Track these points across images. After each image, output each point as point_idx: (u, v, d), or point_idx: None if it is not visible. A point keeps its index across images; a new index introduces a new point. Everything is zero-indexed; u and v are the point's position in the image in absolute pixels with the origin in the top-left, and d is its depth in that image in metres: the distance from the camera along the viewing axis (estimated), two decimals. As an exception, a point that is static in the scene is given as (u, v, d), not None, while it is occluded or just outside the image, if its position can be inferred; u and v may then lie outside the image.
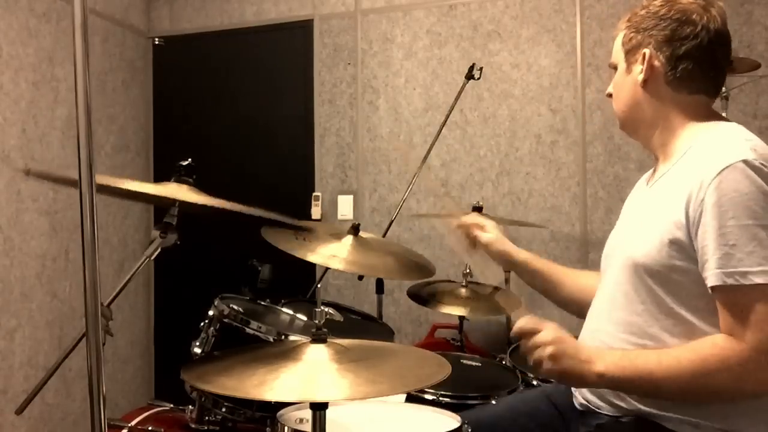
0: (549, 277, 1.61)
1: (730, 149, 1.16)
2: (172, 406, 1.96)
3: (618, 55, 1.37)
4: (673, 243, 1.18)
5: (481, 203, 2.52)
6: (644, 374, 1.16)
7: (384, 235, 2.70)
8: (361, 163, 3.38)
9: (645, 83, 1.30)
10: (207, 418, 1.78)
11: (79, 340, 1.40)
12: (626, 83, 1.35)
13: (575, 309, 1.57)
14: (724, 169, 1.13)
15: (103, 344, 0.98)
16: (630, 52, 1.33)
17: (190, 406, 1.79)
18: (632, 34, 1.32)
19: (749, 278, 1.09)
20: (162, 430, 1.77)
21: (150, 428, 1.77)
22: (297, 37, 3.51)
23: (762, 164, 1.13)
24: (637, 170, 2.93)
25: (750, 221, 1.10)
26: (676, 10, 1.27)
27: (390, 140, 3.33)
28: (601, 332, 1.32)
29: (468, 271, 2.51)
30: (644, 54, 1.29)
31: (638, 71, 1.31)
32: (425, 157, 2.76)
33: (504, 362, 2.14)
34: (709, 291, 1.14)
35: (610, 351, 1.24)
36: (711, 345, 1.13)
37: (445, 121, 2.75)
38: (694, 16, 1.26)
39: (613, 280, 1.32)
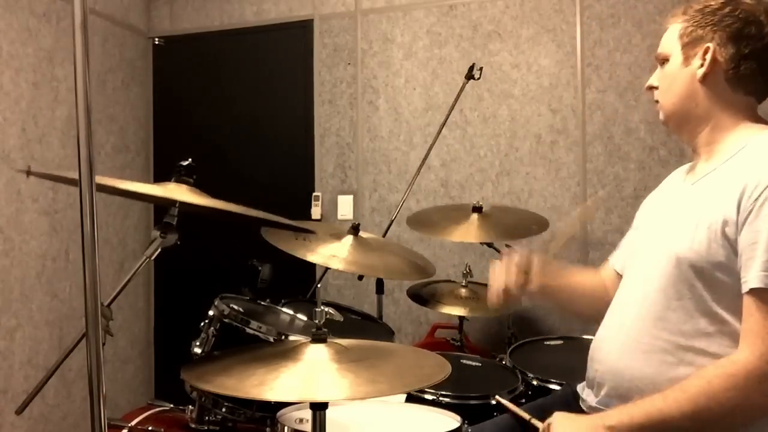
0: (570, 293, 1.60)
1: None
2: (172, 406, 1.96)
3: (672, 46, 1.34)
4: (722, 239, 1.17)
5: (481, 203, 2.52)
6: (653, 413, 1.16)
7: (384, 235, 2.70)
8: (361, 163, 3.38)
9: (704, 77, 1.29)
10: (207, 418, 1.78)
11: (79, 340, 1.40)
12: (681, 75, 1.32)
13: (593, 313, 1.54)
14: None
15: (103, 344, 0.98)
16: (689, 45, 1.31)
17: (190, 406, 1.80)
18: (693, 27, 1.30)
19: None
20: (162, 430, 1.77)
21: (150, 428, 1.77)
22: (297, 37, 3.51)
23: None
24: (637, 170, 2.93)
25: None
26: (743, 9, 1.27)
27: (390, 140, 3.33)
28: (627, 327, 1.31)
29: (468, 271, 2.51)
30: (707, 48, 1.28)
31: (698, 65, 1.30)
32: (425, 157, 2.76)
33: (504, 362, 2.14)
34: (744, 291, 1.14)
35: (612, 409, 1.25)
36: (715, 367, 1.14)
37: (445, 121, 2.75)
38: (761, 18, 1.26)
39: (647, 275, 1.31)
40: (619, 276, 1.52)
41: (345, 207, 3.39)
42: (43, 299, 3.01)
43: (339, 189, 3.42)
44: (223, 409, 1.73)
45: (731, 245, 1.17)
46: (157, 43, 3.77)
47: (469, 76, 2.75)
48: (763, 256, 1.12)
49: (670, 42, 1.35)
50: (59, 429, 3.07)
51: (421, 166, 2.76)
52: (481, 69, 2.76)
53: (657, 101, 1.39)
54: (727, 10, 1.28)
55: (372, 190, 3.36)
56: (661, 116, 1.39)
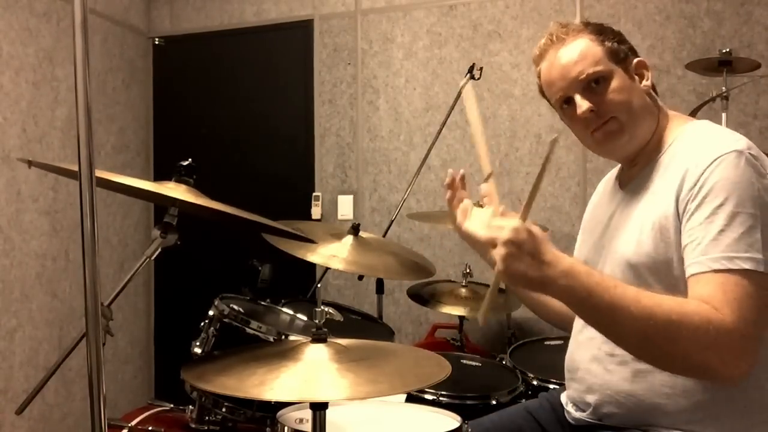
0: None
1: (722, 140, 1.18)
2: (172, 406, 1.96)
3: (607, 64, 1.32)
4: (669, 235, 1.17)
5: (481, 203, 2.52)
6: (616, 297, 1.06)
7: (384, 235, 2.70)
8: (361, 163, 3.38)
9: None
10: (207, 418, 1.78)
11: (79, 340, 1.40)
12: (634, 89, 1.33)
13: (557, 321, 1.53)
14: (717, 158, 1.14)
15: (103, 344, 0.98)
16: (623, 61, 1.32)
17: (190, 406, 1.79)
18: (615, 45, 1.32)
19: (736, 263, 1.08)
20: (162, 430, 1.77)
21: (150, 428, 1.77)
22: (297, 37, 3.51)
23: (752, 155, 1.15)
24: (637, 170, 2.93)
25: (739, 209, 1.10)
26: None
27: (390, 140, 3.33)
28: (598, 340, 1.28)
29: (468, 271, 2.51)
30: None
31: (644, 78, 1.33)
32: (425, 157, 2.76)
33: (504, 362, 2.14)
34: (688, 276, 1.12)
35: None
36: (698, 303, 1.08)
37: (445, 121, 2.75)
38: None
39: None
40: None
41: (345, 207, 3.39)
42: (43, 299, 3.01)
43: (339, 189, 3.42)
44: (223, 409, 1.73)
45: (677, 238, 1.16)
46: (157, 43, 3.77)
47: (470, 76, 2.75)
48: (704, 240, 1.11)
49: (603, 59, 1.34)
50: (59, 429, 3.07)
51: (421, 166, 2.76)
52: (481, 69, 2.76)
53: None
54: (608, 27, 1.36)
55: (372, 190, 3.36)
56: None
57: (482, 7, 3.20)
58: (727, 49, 2.45)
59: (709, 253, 1.10)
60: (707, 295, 1.08)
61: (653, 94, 1.34)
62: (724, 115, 2.43)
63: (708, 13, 2.85)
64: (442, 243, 3.21)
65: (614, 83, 1.28)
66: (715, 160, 1.14)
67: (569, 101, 1.31)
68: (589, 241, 1.44)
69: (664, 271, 1.19)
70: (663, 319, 1.05)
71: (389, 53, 3.34)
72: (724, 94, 2.43)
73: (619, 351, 1.23)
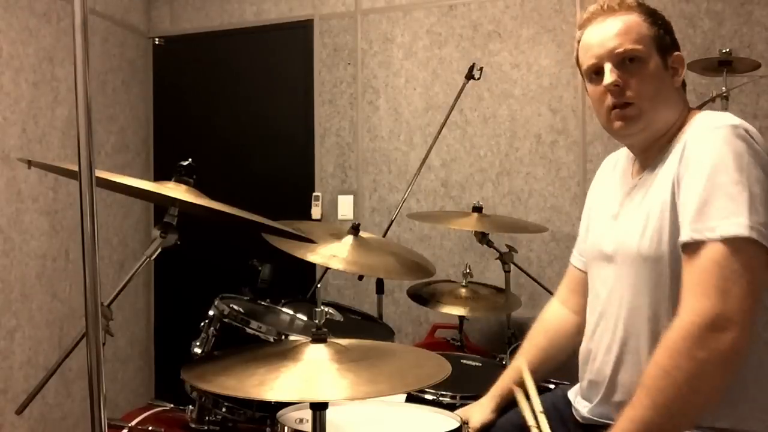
0: (545, 359, 1.59)
1: (718, 118, 1.20)
2: (172, 406, 1.96)
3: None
4: (668, 223, 1.19)
5: (481, 203, 2.52)
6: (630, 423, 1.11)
7: (384, 235, 2.70)
8: (361, 163, 3.38)
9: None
10: (207, 418, 1.78)
11: (79, 340, 1.40)
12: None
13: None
14: (709, 132, 1.16)
15: (103, 344, 0.98)
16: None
17: (190, 406, 1.80)
18: (662, 32, 1.32)
19: (716, 232, 1.09)
20: (162, 430, 1.77)
21: (150, 428, 1.77)
22: (297, 37, 3.51)
23: (746, 129, 1.16)
24: (637, 170, 2.93)
25: (724, 178, 1.11)
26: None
27: (390, 140, 3.33)
28: (613, 329, 1.29)
29: (468, 271, 2.51)
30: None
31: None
32: (425, 157, 2.76)
33: (504, 362, 2.14)
34: (682, 249, 1.14)
35: None
36: (670, 343, 1.10)
37: (445, 121, 2.75)
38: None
39: (623, 281, 1.29)
40: (586, 273, 1.52)
41: (345, 207, 3.39)
42: (43, 299, 3.01)
43: (339, 189, 3.42)
44: (223, 409, 1.73)
45: (675, 217, 1.18)
46: (157, 43, 3.77)
47: (469, 76, 2.75)
48: (690, 212, 1.13)
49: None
50: (59, 429, 3.07)
51: (421, 166, 2.76)
52: (481, 69, 2.76)
53: None
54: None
55: (372, 190, 3.36)
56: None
57: (482, 7, 3.20)
58: (727, 49, 2.46)
59: (695, 222, 1.12)
60: (689, 279, 1.11)
61: (681, 91, 1.34)
62: (724, 115, 2.43)
63: (708, 13, 2.85)
64: (442, 243, 3.21)
65: (648, 68, 1.27)
66: (707, 133, 1.16)
67: (599, 72, 1.30)
68: (599, 222, 1.43)
69: (673, 259, 1.19)
70: (655, 399, 1.08)
71: (389, 53, 3.34)
72: (724, 94, 2.43)
73: (633, 342, 1.25)
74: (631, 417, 1.11)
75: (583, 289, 1.52)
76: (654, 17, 1.32)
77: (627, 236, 1.28)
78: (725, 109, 2.44)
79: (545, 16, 3.10)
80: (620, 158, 1.48)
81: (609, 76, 1.27)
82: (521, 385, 1.43)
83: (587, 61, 1.33)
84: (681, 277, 1.14)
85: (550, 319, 1.63)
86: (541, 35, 3.10)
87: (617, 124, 1.30)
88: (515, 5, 3.14)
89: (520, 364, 1.51)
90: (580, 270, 1.56)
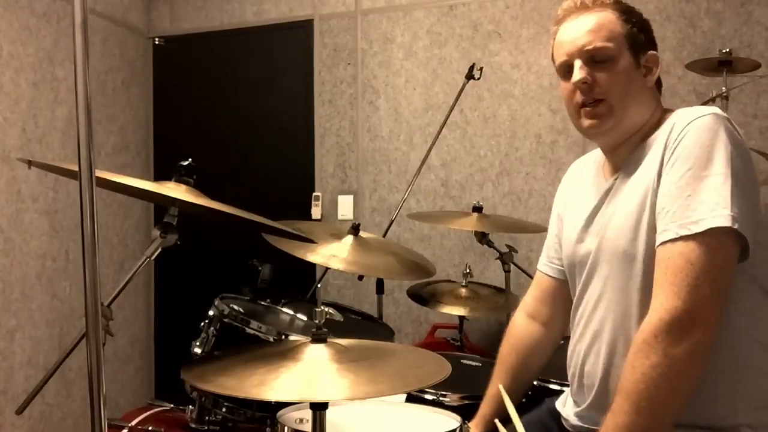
0: (521, 382, 1.58)
1: (700, 108, 1.19)
2: (172, 406, 1.96)
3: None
4: (651, 214, 1.19)
5: (481, 203, 2.52)
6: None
7: (384, 235, 2.70)
8: (361, 163, 3.38)
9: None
10: (207, 418, 1.78)
11: (79, 340, 1.40)
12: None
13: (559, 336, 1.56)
14: (693, 120, 1.16)
15: (103, 344, 0.98)
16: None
17: (190, 406, 1.80)
18: (636, 30, 1.30)
19: (701, 225, 1.09)
20: (162, 430, 1.77)
21: (150, 428, 1.77)
22: (297, 37, 3.51)
23: (728, 120, 1.16)
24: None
25: (707, 171, 1.11)
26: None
27: (390, 140, 3.33)
28: (607, 337, 1.27)
29: (468, 271, 2.51)
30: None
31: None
32: (425, 157, 2.76)
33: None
34: (658, 246, 1.14)
35: None
36: (638, 359, 1.11)
37: (445, 121, 2.75)
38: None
39: (608, 281, 1.27)
40: (557, 279, 1.51)
41: (345, 207, 3.39)
42: (43, 299, 3.01)
43: (339, 189, 3.42)
44: (223, 409, 1.73)
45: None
46: (157, 43, 3.77)
47: (469, 76, 2.75)
48: (672, 207, 1.13)
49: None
50: (59, 429, 3.07)
51: (421, 166, 2.76)
52: (481, 69, 2.76)
53: None
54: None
55: (372, 190, 3.36)
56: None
57: (482, 7, 3.20)
58: (727, 49, 2.45)
59: (679, 219, 1.11)
60: (662, 280, 1.11)
61: (655, 90, 1.33)
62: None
63: (708, 13, 2.85)
64: (442, 243, 3.21)
65: (618, 66, 1.26)
66: (692, 122, 1.16)
67: (571, 69, 1.29)
68: (576, 225, 1.39)
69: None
70: (646, 391, 1.09)
71: (389, 53, 3.34)
72: (724, 94, 2.43)
73: (621, 345, 1.23)
74: (615, 425, 1.11)
75: (552, 299, 1.52)
76: (629, 15, 1.30)
77: (611, 236, 1.26)
78: (725, 109, 2.44)
79: (545, 16, 3.10)
80: (587, 163, 1.47)
81: (578, 73, 1.26)
82: (502, 416, 1.41)
83: (559, 58, 1.32)
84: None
85: (521, 336, 1.58)
86: (541, 35, 3.10)
87: (586, 121, 1.29)
88: (515, 5, 3.14)
89: (499, 390, 1.47)
90: (550, 276, 1.54)
